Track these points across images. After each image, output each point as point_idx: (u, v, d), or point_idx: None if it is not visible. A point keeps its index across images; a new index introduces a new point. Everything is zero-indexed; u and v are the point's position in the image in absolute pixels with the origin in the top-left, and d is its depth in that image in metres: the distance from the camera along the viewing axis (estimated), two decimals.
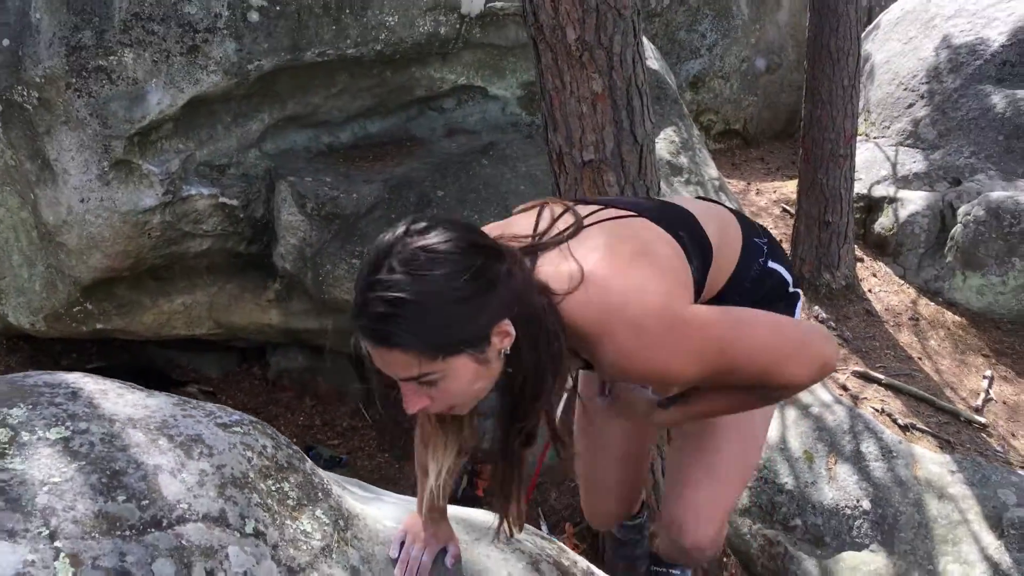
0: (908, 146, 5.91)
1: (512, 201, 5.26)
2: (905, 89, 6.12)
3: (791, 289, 1.74)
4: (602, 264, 1.32)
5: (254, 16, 4.61)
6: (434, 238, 1.20)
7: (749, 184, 6.61)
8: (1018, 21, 5.76)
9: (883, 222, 5.50)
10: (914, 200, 5.43)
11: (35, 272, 4.96)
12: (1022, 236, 4.78)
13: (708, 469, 1.74)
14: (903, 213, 5.38)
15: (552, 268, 1.32)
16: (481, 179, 5.33)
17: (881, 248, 5.51)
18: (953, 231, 5.11)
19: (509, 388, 1.32)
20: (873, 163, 5.89)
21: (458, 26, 5.30)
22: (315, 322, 5.33)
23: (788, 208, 5.35)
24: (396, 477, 4.99)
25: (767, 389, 1.43)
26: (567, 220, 1.43)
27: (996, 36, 5.81)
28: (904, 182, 5.65)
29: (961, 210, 5.11)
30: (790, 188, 5.48)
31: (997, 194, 4.99)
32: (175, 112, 4.59)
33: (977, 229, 4.93)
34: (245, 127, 5.02)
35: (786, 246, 5.38)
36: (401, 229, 1.22)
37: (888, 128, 6.11)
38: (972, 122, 5.63)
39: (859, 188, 5.60)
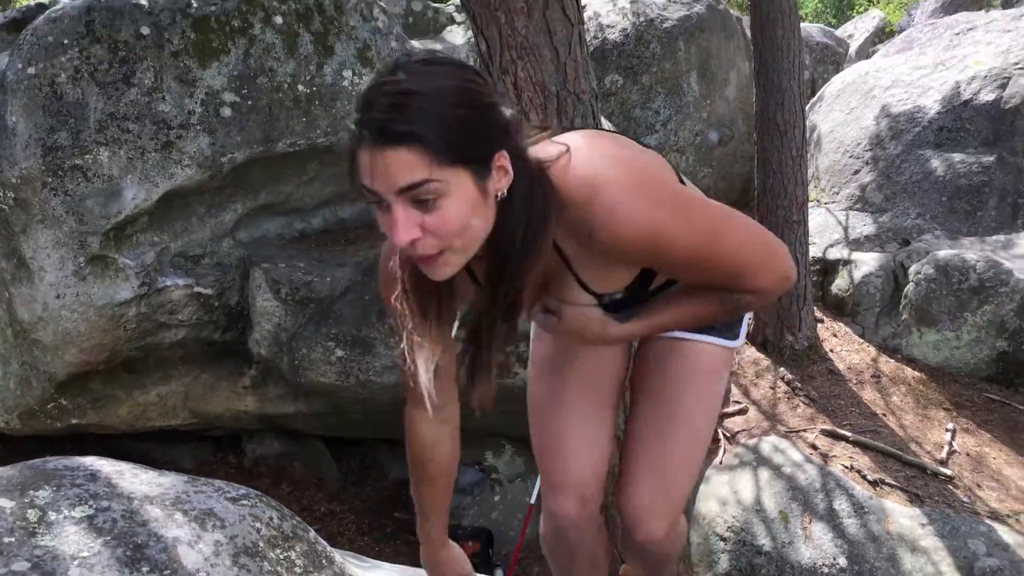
0: (858, 210, 6.18)
1: None
2: (851, 156, 6.42)
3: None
4: (585, 140, 1.34)
5: (227, 111, 4.76)
6: (439, 58, 1.28)
7: None
8: (950, 90, 6.12)
9: (839, 284, 5.71)
10: (867, 261, 5.65)
11: (9, 370, 4.96)
12: (971, 292, 5.00)
13: (655, 465, 1.72)
14: (857, 274, 5.60)
15: (539, 148, 1.33)
16: None
17: (839, 309, 5.71)
18: (906, 290, 5.33)
19: (498, 245, 1.29)
20: (826, 227, 6.14)
21: None
22: (291, 406, 5.36)
23: None
24: (378, 560, 4.98)
25: (734, 296, 1.42)
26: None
27: (931, 104, 6.16)
28: (856, 244, 5.89)
29: (912, 269, 5.33)
30: None
31: (944, 253, 5.23)
32: (150, 206, 4.69)
33: (928, 287, 5.16)
34: (219, 217, 5.13)
35: None
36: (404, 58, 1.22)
37: (838, 194, 6.39)
38: (915, 185, 5.92)
39: (814, 252, 5.83)
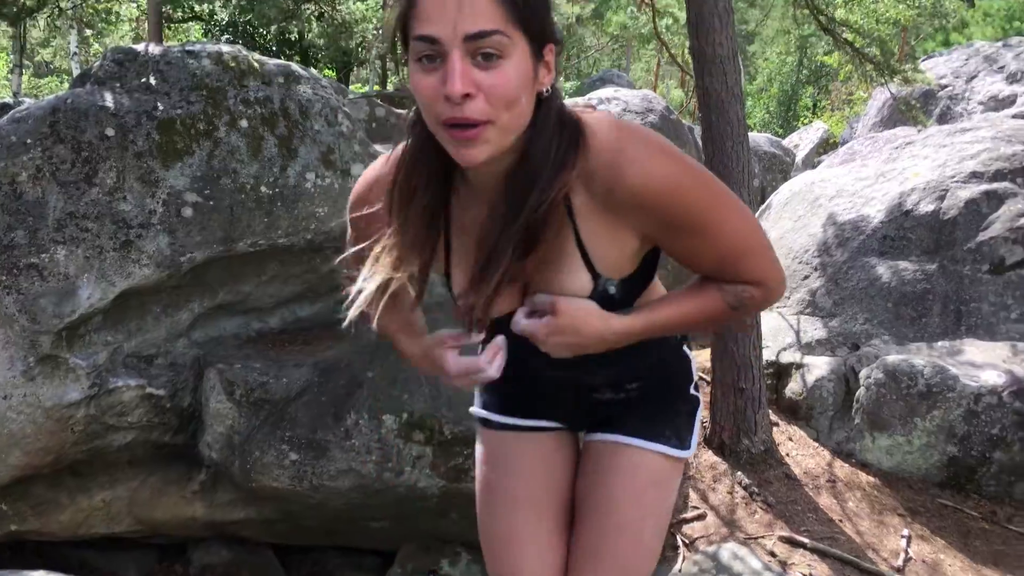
0: (808, 314, 6.32)
1: (439, 379, 5.38)
2: (800, 262, 6.61)
3: (693, 391, 1.75)
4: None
5: (188, 211, 4.78)
6: None
7: None
8: (892, 200, 6.38)
9: (793, 387, 5.79)
10: (819, 365, 5.76)
11: None
12: (920, 397, 5.11)
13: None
14: (810, 378, 5.69)
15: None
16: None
17: (794, 412, 5.78)
18: (857, 394, 5.42)
19: (532, 148, 1.24)
20: (779, 331, 6.26)
21: None
22: (241, 512, 5.22)
23: (704, 376, 5.60)
24: None
25: (737, 288, 1.39)
26: None
27: (874, 213, 6.40)
28: (808, 348, 6.00)
29: (862, 374, 5.44)
30: (705, 356, 5.75)
31: (892, 357, 5.35)
32: (106, 305, 4.64)
33: (879, 391, 5.25)
34: (175, 317, 5.08)
35: (705, 414, 5.60)
36: None
37: (789, 298, 6.55)
38: (863, 291, 6.10)
39: (768, 355, 5.92)
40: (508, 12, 1.10)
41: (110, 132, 4.61)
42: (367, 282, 1.37)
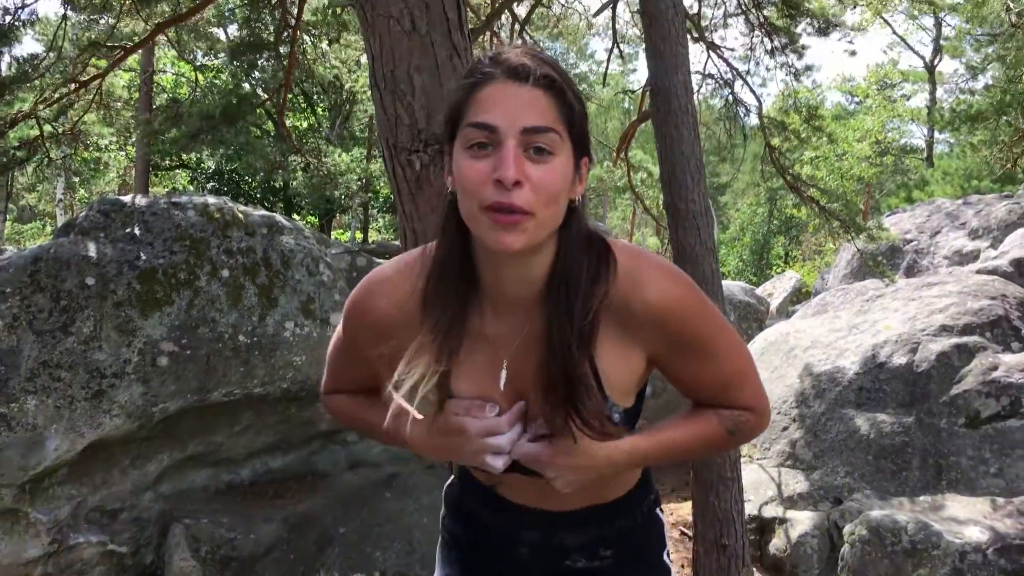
0: (789, 467, 6.26)
1: (416, 535, 5.23)
2: (779, 413, 6.60)
3: (665, 557, 1.70)
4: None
5: (164, 361, 4.75)
6: None
7: None
8: (866, 351, 6.46)
9: (776, 543, 5.67)
10: (802, 520, 5.65)
11: None
12: (905, 555, 5.00)
13: None
14: (794, 534, 5.58)
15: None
16: (384, 514, 5.31)
17: (778, 569, 5.62)
18: (842, 551, 5.30)
19: (556, 286, 1.26)
20: (760, 484, 6.18)
21: None
22: None
23: (686, 531, 5.48)
24: None
25: (734, 414, 1.40)
26: None
27: (849, 365, 6.46)
28: (791, 502, 5.91)
29: (846, 530, 5.34)
30: (686, 510, 5.65)
31: (876, 513, 5.27)
32: (72, 457, 4.53)
33: (863, 548, 5.14)
34: (143, 469, 4.95)
35: (687, 571, 5.44)
36: None
37: (768, 450, 6.50)
38: (842, 443, 6.07)
39: (750, 509, 5.82)
40: (562, 116, 1.17)
41: (90, 281, 4.63)
42: (405, 382, 1.30)
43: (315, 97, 18.82)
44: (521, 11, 8.26)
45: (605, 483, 1.50)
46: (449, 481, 1.73)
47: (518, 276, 1.29)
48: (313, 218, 21.12)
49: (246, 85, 12.91)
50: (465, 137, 1.18)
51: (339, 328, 1.48)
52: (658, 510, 1.71)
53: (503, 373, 1.33)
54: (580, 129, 1.21)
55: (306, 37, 11.31)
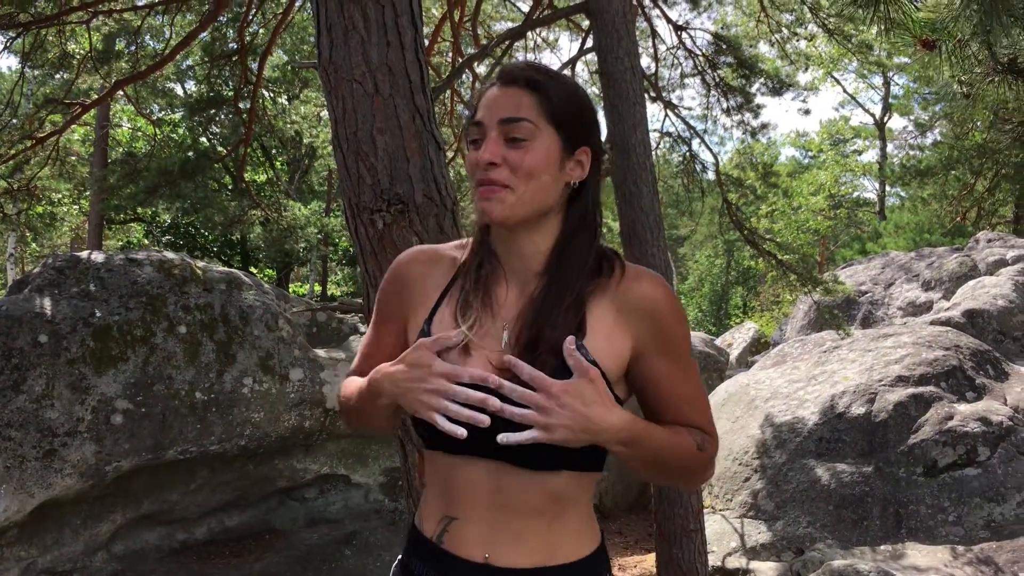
0: (751, 517, 6.27)
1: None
2: (740, 464, 6.63)
3: None
4: None
5: (118, 419, 4.65)
6: None
7: (612, 559, 6.68)
8: (824, 401, 6.53)
9: None
10: (765, 571, 5.65)
11: None
12: None
13: None
14: None
15: None
16: (344, 571, 5.20)
17: None
18: None
19: (564, 230, 1.43)
20: (723, 535, 6.17)
21: (323, 419, 5.49)
22: None
23: None
24: None
25: (702, 435, 1.47)
26: None
27: (809, 415, 6.53)
28: (753, 553, 5.91)
29: None
30: (649, 563, 5.61)
31: (838, 563, 5.29)
32: (22, 518, 4.39)
33: None
34: (95, 529, 4.82)
35: None
36: None
37: (731, 500, 6.51)
38: (803, 493, 6.10)
39: (713, 560, 5.80)
40: (542, 109, 1.37)
41: (43, 339, 4.54)
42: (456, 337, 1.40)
43: (274, 151, 18.83)
44: (482, 70, 8.39)
45: (560, 522, 1.44)
46: (395, 564, 1.69)
47: (519, 250, 1.45)
48: (271, 271, 20.96)
49: (204, 140, 12.89)
50: (467, 134, 1.41)
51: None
52: None
53: (504, 334, 1.42)
54: (569, 122, 1.39)
55: (266, 92, 11.36)
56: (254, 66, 7.37)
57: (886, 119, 26.83)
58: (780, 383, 7.16)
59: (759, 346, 14.37)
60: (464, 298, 1.44)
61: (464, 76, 8.64)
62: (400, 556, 1.60)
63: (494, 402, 1.28)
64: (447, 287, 1.49)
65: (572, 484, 1.44)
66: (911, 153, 23.00)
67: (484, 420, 1.29)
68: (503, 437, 1.28)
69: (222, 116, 9.28)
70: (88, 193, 13.58)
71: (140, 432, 4.71)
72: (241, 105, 7.64)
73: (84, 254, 5.10)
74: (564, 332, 1.35)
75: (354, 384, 1.54)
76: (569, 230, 1.44)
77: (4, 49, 6.52)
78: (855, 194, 27.97)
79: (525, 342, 1.37)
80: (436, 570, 1.47)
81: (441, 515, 1.47)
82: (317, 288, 21.90)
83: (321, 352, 5.69)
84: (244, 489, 5.45)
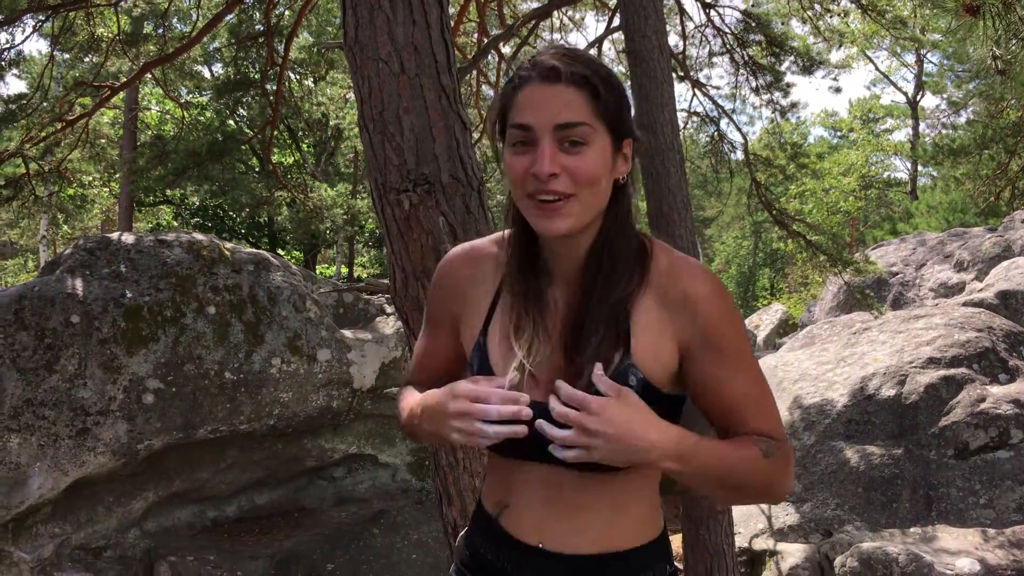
0: None
1: (405, 571, 5.17)
2: None
3: None
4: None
5: (149, 398, 4.70)
6: None
7: None
8: (854, 384, 6.47)
9: None
10: (793, 553, 5.63)
11: None
12: None
13: None
14: (784, 566, 5.55)
15: None
16: (372, 550, 5.25)
17: None
18: None
19: (606, 226, 1.35)
20: (750, 516, 6.15)
21: (350, 399, 5.53)
22: None
23: (678, 565, 5.43)
24: None
25: (766, 441, 1.34)
26: None
27: (838, 397, 6.47)
28: (781, 535, 5.88)
29: (837, 562, 5.32)
30: (676, 544, 5.61)
31: (867, 545, 5.25)
32: (56, 495, 4.47)
33: None
34: (127, 506, 4.89)
35: None
36: None
37: None
38: (832, 476, 6.06)
39: (740, 542, 5.79)
40: (594, 108, 1.28)
41: (75, 319, 4.59)
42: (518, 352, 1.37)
43: (300, 133, 18.87)
44: (507, 50, 8.35)
45: (618, 516, 1.41)
46: (463, 532, 1.66)
47: (562, 252, 1.39)
48: (298, 253, 21.06)
49: (231, 122, 12.94)
50: (510, 136, 1.30)
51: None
52: None
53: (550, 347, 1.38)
54: (615, 117, 1.31)
55: (292, 74, 11.38)
56: (280, 48, 7.38)
57: (919, 97, 26.41)
58: (809, 365, 7.10)
59: (787, 328, 14.25)
60: (517, 317, 1.39)
61: (490, 56, 8.61)
62: (466, 528, 1.60)
63: (527, 412, 1.27)
64: (496, 294, 1.45)
65: (629, 481, 1.40)
66: (944, 132, 22.63)
67: (521, 431, 1.27)
68: (554, 450, 1.27)
69: (249, 98, 9.30)
70: (118, 175, 13.70)
71: (171, 411, 4.76)
72: (268, 87, 7.66)
73: (114, 236, 5.16)
74: (609, 344, 1.31)
75: (409, 401, 1.51)
76: (610, 226, 1.37)
77: (33, 32, 6.58)
78: (886, 174, 27.60)
79: (573, 357, 1.33)
80: (495, 546, 1.47)
81: (498, 499, 1.47)
82: (344, 270, 22.00)
83: (348, 333, 5.72)
84: (273, 468, 5.51)
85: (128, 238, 5.11)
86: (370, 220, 17.43)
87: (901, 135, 28.17)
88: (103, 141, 13.23)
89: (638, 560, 1.44)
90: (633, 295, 1.36)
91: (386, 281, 3.20)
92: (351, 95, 13.55)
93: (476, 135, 8.24)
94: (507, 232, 1.46)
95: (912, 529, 5.57)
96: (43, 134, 6.77)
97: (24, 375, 4.44)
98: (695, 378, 1.38)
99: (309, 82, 13.26)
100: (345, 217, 13.88)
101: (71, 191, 10.77)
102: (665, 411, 1.37)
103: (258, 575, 4.88)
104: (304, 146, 19.72)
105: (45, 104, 6.86)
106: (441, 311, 1.53)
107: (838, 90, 24.82)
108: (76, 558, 4.68)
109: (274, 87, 7.37)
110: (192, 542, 5.11)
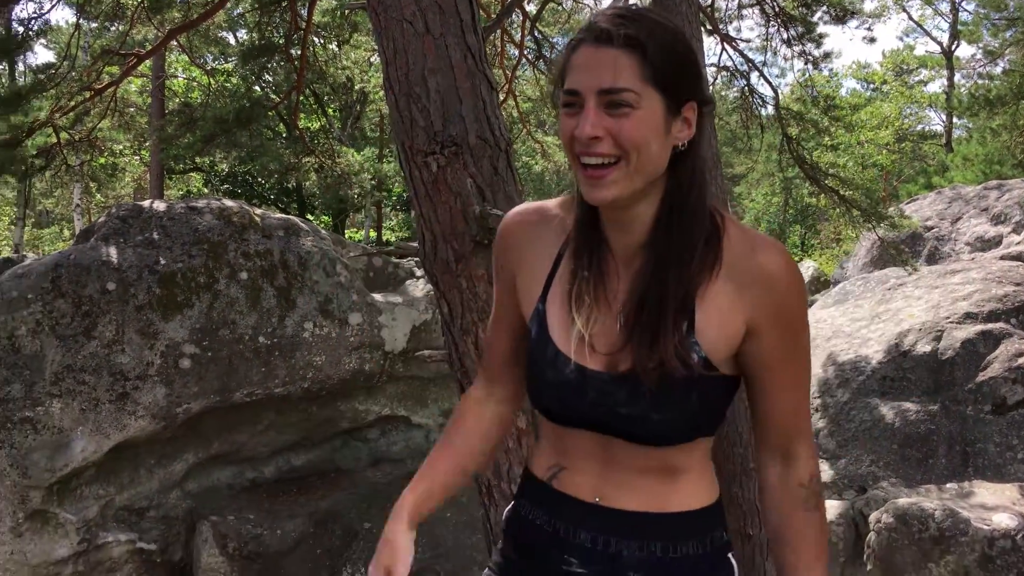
0: None
1: (440, 531, 5.24)
2: None
3: None
4: None
5: (186, 363, 4.78)
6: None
7: None
8: (889, 340, 6.41)
9: None
10: (827, 509, 5.62)
11: None
12: (933, 541, 4.97)
13: None
14: None
15: None
16: None
17: None
18: (868, 539, 5.27)
19: (669, 196, 1.31)
20: None
21: (382, 362, 5.58)
22: None
23: None
24: None
25: (794, 484, 1.39)
26: None
27: (872, 354, 6.42)
28: None
29: (872, 517, 5.31)
30: None
31: (903, 500, 5.24)
32: (99, 458, 4.57)
33: (890, 536, 5.11)
34: (168, 468, 5.00)
35: None
36: None
37: None
38: (866, 432, 6.03)
39: None
40: (643, 71, 1.23)
41: (111, 286, 4.66)
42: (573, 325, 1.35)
43: (326, 98, 18.86)
44: (531, 8, 8.25)
45: (672, 480, 1.40)
46: (506, 510, 1.62)
47: (622, 222, 1.35)
48: (327, 218, 21.17)
49: (257, 88, 12.95)
50: (561, 100, 1.29)
51: None
52: (731, 555, 1.51)
53: (617, 324, 1.34)
54: (673, 80, 1.26)
55: (316, 39, 11.34)
56: (304, 11, 7.34)
57: (954, 47, 25.76)
58: (842, 321, 7.04)
59: (818, 285, 14.10)
60: (578, 287, 1.37)
61: (514, 15, 8.50)
62: (512, 502, 1.58)
63: None
64: (557, 258, 1.42)
65: (684, 450, 1.39)
66: (980, 82, 22.06)
67: None
68: None
69: (274, 64, 9.29)
70: (148, 143, 13.80)
71: (207, 375, 4.84)
72: (292, 52, 7.64)
73: (146, 203, 5.20)
74: (674, 319, 1.29)
75: (420, 473, 1.54)
76: (674, 196, 1.32)
77: (59, 1, 6.59)
78: (920, 127, 27.04)
79: (632, 330, 1.31)
80: (546, 511, 1.45)
81: (552, 463, 1.46)
82: (372, 234, 22.09)
83: (378, 296, 5.76)
84: (309, 430, 5.59)
85: (160, 205, 5.16)
86: (397, 183, 17.41)
87: (935, 86, 27.54)
88: (132, 110, 13.31)
89: (693, 523, 1.44)
90: (702, 270, 1.32)
91: (415, 244, 3.20)
92: (376, 58, 13.50)
93: (502, 95, 8.17)
94: (571, 195, 1.44)
95: (948, 485, 5.54)
96: (72, 103, 6.82)
97: (64, 342, 4.53)
98: (754, 354, 1.37)
99: (333, 46, 13.21)
100: (372, 181, 13.90)
101: (102, 160, 10.88)
102: (720, 395, 1.38)
103: (297, 533, 4.97)
104: (330, 111, 19.71)
105: (73, 73, 6.91)
106: (502, 271, 1.49)
107: (872, 40, 24.35)
108: (120, 518, 4.80)
109: (299, 52, 7.35)
110: (232, 502, 5.21)
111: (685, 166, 1.32)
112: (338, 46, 13.15)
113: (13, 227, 18.00)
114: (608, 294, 1.36)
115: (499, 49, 8.59)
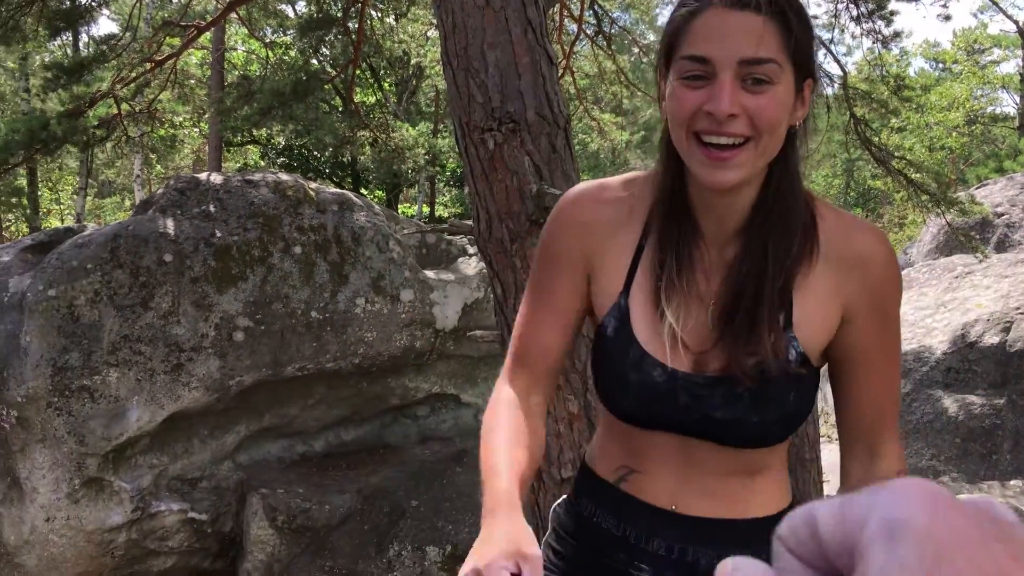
0: None
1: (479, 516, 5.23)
2: None
3: None
4: None
5: (239, 336, 4.81)
6: None
7: None
8: (955, 330, 6.20)
9: None
10: None
11: None
12: None
13: None
14: None
15: None
16: (455, 488, 5.31)
17: None
18: None
19: (761, 217, 1.19)
20: (838, 465, 6.01)
21: (433, 340, 5.55)
22: None
23: None
24: None
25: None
26: None
27: (937, 344, 6.22)
28: None
29: None
30: None
31: (964, 497, 5.07)
32: (153, 428, 4.63)
33: None
34: (221, 440, 5.05)
35: None
36: None
37: None
38: (928, 425, 5.85)
39: (829, 490, 5.66)
40: (785, 42, 1.11)
41: (168, 258, 4.70)
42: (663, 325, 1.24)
43: (382, 72, 18.87)
44: None
45: (752, 482, 1.33)
46: (558, 501, 1.52)
47: (718, 208, 1.23)
48: (380, 192, 21.27)
49: (314, 61, 12.99)
50: (680, 68, 1.13)
51: (534, 264, 1.36)
52: None
53: (708, 317, 1.23)
54: (803, 52, 1.15)
55: (374, 12, 11.31)
56: None
57: None
58: (906, 310, 6.83)
59: None
60: (667, 281, 1.24)
61: None
62: (565, 496, 1.49)
63: None
64: (638, 248, 1.28)
65: (763, 453, 1.31)
66: None
67: None
68: None
69: (331, 37, 9.28)
70: (207, 116, 13.98)
71: (260, 349, 4.86)
72: (349, 25, 7.61)
73: (204, 176, 5.23)
74: (773, 321, 1.18)
75: (489, 462, 1.23)
76: (779, 179, 1.20)
77: None
78: (992, 109, 26.13)
79: (727, 328, 1.20)
80: (613, 514, 1.37)
81: (620, 464, 1.37)
82: (425, 209, 22.14)
83: (431, 273, 5.73)
84: (359, 406, 5.60)
85: (216, 178, 5.18)
86: (451, 159, 17.37)
87: (1009, 67, 26.54)
88: (192, 82, 13.47)
89: (770, 529, 1.34)
90: (801, 259, 1.21)
91: (469, 222, 3.14)
92: (432, 32, 13.45)
93: (559, 71, 8.05)
94: (644, 174, 1.31)
95: (1013, 482, 5.35)
96: (133, 75, 6.88)
97: (121, 312, 4.58)
98: (847, 342, 1.27)
99: (391, 19, 13.18)
100: (426, 157, 13.89)
101: (162, 131, 11.04)
102: (814, 390, 1.29)
103: (345, 508, 4.99)
104: (386, 85, 19.73)
105: (135, 44, 6.97)
106: (560, 257, 1.31)
107: (947, 18, 23.36)
108: (173, 488, 4.87)
109: (356, 25, 7.31)
110: (282, 475, 5.25)
111: (793, 147, 1.21)
112: (395, 19, 13.13)
113: (76, 196, 18.43)
114: (700, 288, 1.25)
115: (558, 23, 8.45)
